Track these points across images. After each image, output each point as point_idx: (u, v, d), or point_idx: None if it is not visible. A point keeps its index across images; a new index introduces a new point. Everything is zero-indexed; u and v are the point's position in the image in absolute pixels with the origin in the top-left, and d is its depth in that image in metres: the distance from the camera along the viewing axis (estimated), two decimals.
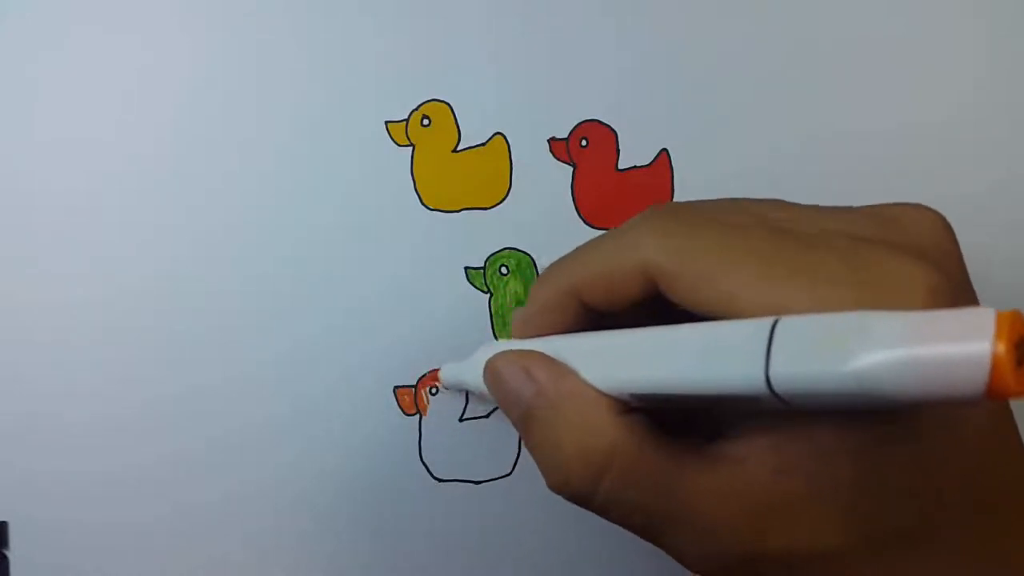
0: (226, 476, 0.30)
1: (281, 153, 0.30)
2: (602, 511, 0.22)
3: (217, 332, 0.30)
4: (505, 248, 0.31)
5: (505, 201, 0.31)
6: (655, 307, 0.21)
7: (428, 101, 0.31)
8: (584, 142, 0.31)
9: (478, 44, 0.31)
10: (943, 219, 0.21)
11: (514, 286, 0.31)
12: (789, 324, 0.17)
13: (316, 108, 0.30)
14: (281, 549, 0.30)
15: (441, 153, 0.31)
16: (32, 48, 0.30)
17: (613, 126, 0.31)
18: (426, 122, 0.31)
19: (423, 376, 0.31)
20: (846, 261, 0.19)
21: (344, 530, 0.30)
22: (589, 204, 0.31)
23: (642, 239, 0.21)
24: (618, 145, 0.31)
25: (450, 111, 0.31)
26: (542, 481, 0.30)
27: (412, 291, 0.31)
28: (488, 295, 0.31)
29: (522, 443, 0.31)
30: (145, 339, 0.30)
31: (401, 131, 0.31)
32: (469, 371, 0.27)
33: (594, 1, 0.31)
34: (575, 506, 0.30)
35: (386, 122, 0.31)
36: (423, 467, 0.31)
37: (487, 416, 0.31)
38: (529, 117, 0.31)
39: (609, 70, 0.31)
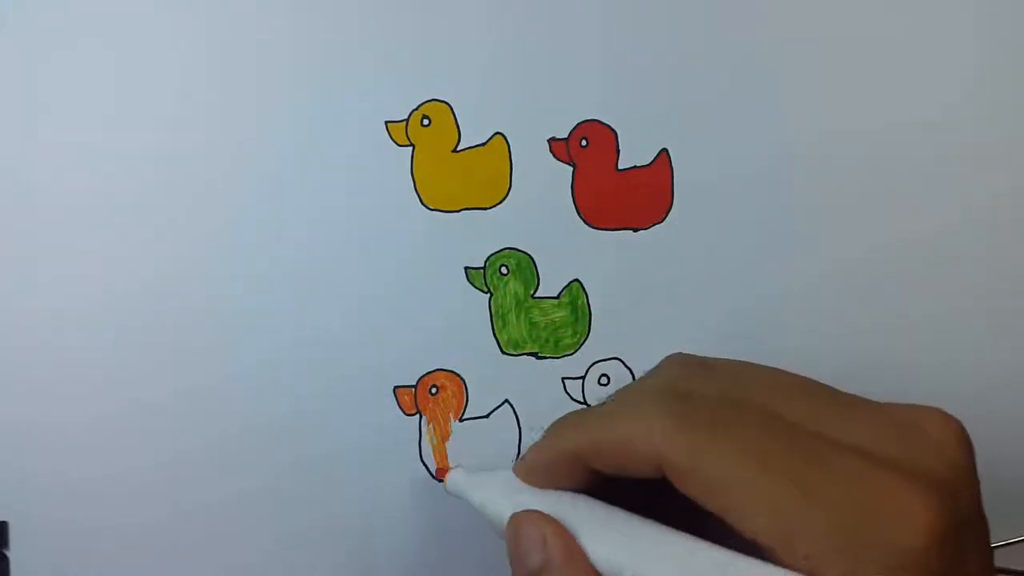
0: (226, 476, 0.30)
1: (281, 153, 0.30)
2: None
3: (217, 332, 0.30)
4: (505, 248, 0.31)
5: (505, 201, 0.31)
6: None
7: (428, 101, 0.31)
8: (584, 142, 0.31)
9: (478, 44, 0.31)
10: (962, 431, 0.22)
11: (514, 286, 0.31)
12: None
13: (316, 108, 0.30)
14: (281, 549, 0.30)
15: (441, 153, 0.31)
16: (31, 49, 0.30)
17: (613, 126, 0.31)
18: (426, 122, 0.31)
19: (423, 376, 0.31)
20: (857, 487, 0.20)
21: (344, 530, 0.30)
22: (589, 204, 0.31)
23: (656, 432, 0.22)
24: (618, 145, 0.31)
25: (450, 111, 0.31)
26: None
27: (412, 291, 0.31)
28: (488, 295, 0.31)
29: (521, 447, 0.31)
30: (145, 340, 0.30)
31: (401, 131, 0.31)
32: (480, 492, 0.27)
33: (594, 1, 0.31)
34: None
35: (386, 122, 0.31)
36: (423, 467, 0.31)
37: (487, 416, 0.31)
38: (529, 117, 0.31)
39: (609, 70, 0.31)
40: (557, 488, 0.25)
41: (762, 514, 0.20)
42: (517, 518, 0.25)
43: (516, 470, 0.26)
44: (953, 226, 0.31)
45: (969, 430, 0.22)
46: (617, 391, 0.25)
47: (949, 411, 0.22)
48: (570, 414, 0.26)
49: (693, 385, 0.23)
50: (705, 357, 0.25)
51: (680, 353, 0.25)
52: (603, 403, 0.25)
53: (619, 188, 0.31)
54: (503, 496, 0.26)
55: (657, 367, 0.25)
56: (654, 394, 0.23)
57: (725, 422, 0.22)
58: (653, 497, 0.23)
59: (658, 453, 0.22)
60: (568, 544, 0.23)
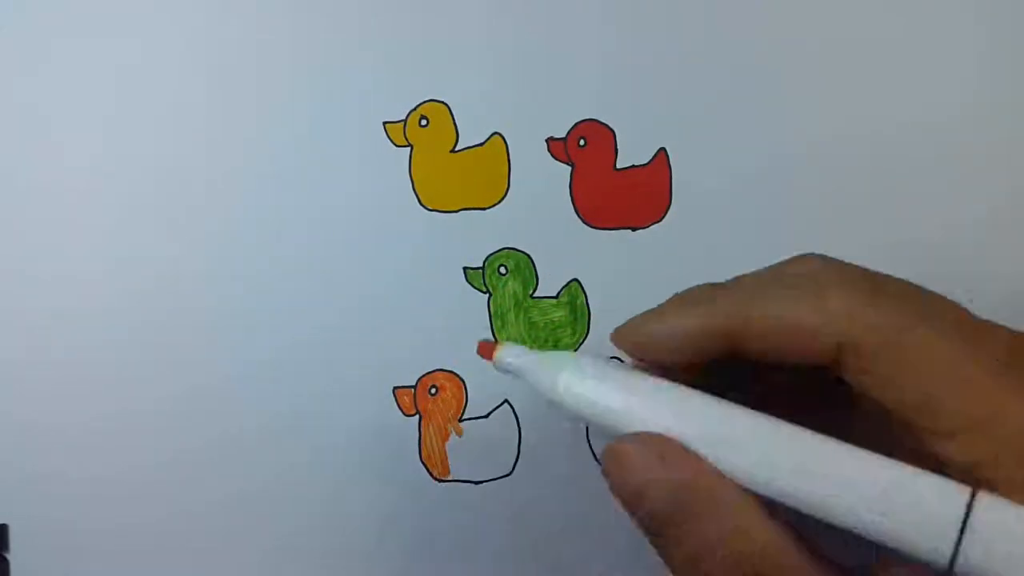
0: (226, 477, 0.30)
1: (280, 154, 0.30)
2: None
3: (216, 333, 0.30)
4: (504, 248, 0.31)
5: (503, 201, 0.31)
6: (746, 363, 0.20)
7: (426, 101, 0.31)
8: (582, 142, 0.31)
9: (476, 45, 0.31)
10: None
11: (513, 286, 0.31)
12: (990, 508, 0.16)
13: (315, 109, 0.30)
14: (281, 549, 0.30)
15: (439, 153, 0.31)
16: (30, 49, 0.30)
17: (611, 125, 0.31)
18: (424, 122, 0.31)
19: (422, 376, 0.31)
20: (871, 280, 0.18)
21: (344, 530, 0.30)
22: (587, 203, 0.31)
23: (840, 303, 0.19)
24: (616, 144, 0.31)
25: (448, 111, 0.31)
26: (542, 481, 0.30)
27: (411, 291, 0.31)
28: (487, 295, 0.31)
29: (521, 447, 0.31)
30: (145, 340, 0.30)
31: (399, 132, 0.31)
32: (553, 374, 0.22)
33: (593, 1, 0.31)
34: (574, 507, 0.30)
35: (384, 123, 0.31)
36: (423, 467, 0.31)
37: (487, 416, 0.31)
38: (527, 117, 0.31)
39: (607, 70, 0.31)
40: (667, 366, 0.21)
41: (970, 403, 0.17)
42: (619, 449, 0.20)
43: (618, 338, 0.21)
44: (953, 226, 0.31)
45: None
46: (746, 275, 0.22)
47: None
48: (702, 287, 0.21)
49: (874, 275, 0.20)
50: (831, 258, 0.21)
51: (809, 253, 0.21)
52: (738, 279, 0.21)
53: (617, 187, 0.31)
54: (587, 386, 0.21)
55: (791, 260, 0.21)
56: (838, 278, 0.19)
57: (927, 315, 0.18)
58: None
59: (850, 339, 0.18)
60: (692, 459, 0.19)
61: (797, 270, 0.21)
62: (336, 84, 0.30)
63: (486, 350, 0.24)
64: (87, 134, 0.30)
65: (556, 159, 0.31)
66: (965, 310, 0.19)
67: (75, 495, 0.30)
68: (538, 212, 0.31)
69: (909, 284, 0.20)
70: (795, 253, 0.31)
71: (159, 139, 0.30)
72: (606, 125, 0.31)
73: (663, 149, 0.31)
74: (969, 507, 0.17)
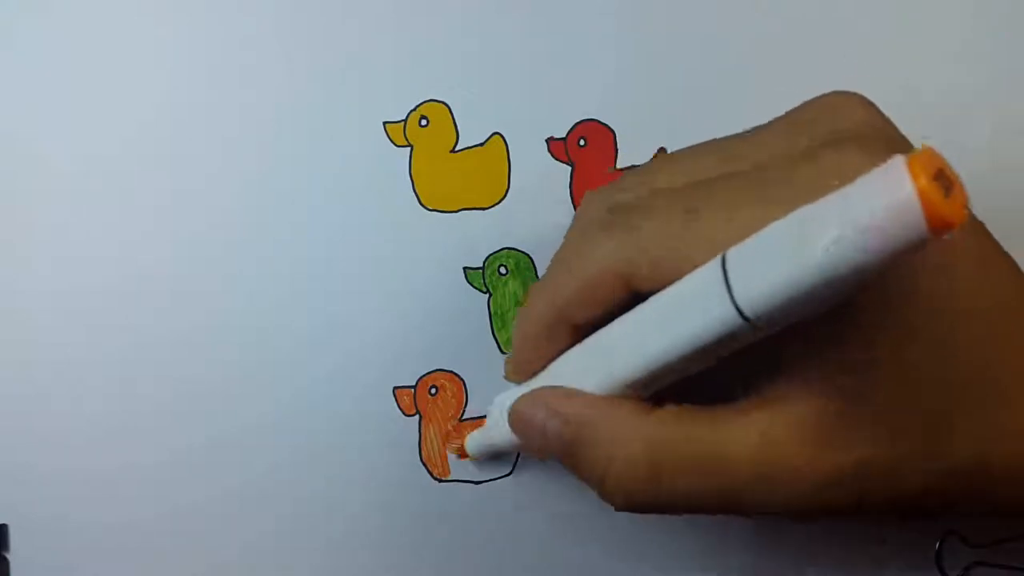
0: (226, 476, 0.30)
1: (279, 154, 0.30)
2: (674, 509, 0.22)
3: (216, 332, 0.30)
4: (504, 248, 0.31)
5: (504, 201, 0.31)
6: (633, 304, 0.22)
7: (426, 101, 0.31)
8: (582, 142, 0.31)
9: (476, 44, 0.31)
10: (860, 98, 0.22)
11: (513, 286, 0.31)
12: (736, 252, 0.18)
13: (314, 109, 0.30)
14: (281, 550, 0.30)
15: (439, 153, 0.31)
16: (22, 48, 0.30)
17: (611, 125, 0.31)
18: (424, 122, 0.31)
19: (423, 376, 0.31)
20: (784, 183, 0.20)
21: (344, 531, 0.30)
22: None
23: (604, 253, 0.22)
24: (616, 144, 0.31)
25: (448, 111, 0.31)
26: (542, 481, 0.30)
27: (411, 292, 0.31)
28: (487, 295, 0.31)
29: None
30: (144, 340, 0.30)
31: (399, 131, 0.31)
32: (493, 430, 0.27)
33: (593, 1, 0.31)
34: (574, 506, 0.30)
35: (384, 123, 0.31)
36: (423, 467, 0.31)
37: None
38: (527, 117, 0.31)
39: (607, 70, 0.31)
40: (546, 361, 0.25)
41: (710, 249, 0.19)
42: (513, 409, 0.25)
43: (510, 373, 0.26)
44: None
45: None
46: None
47: None
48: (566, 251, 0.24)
49: (612, 194, 0.24)
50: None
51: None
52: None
53: None
54: (501, 417, 0.26)
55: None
56: (587, 220, 0.23)
57: (653, 202, 0.22)
58: None
59: (613, 265, 0.22)
60: (570, 395, 0.23)
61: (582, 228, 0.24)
62: (335, 84, 0.31)
63: (462, 452, 0.30)
64: (86, 134, 0.30)
65: (556, 159, 0.31)
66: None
67: (75, 495, 0.30)
68: (538, 212, 0.31)
69: (655, 166, 0.24)
70: None
71: (156, 139, 0.30)
72: (606, 125, 0.31)
73: (663, 149, 0.31)
74: (723, 262, 0.18)
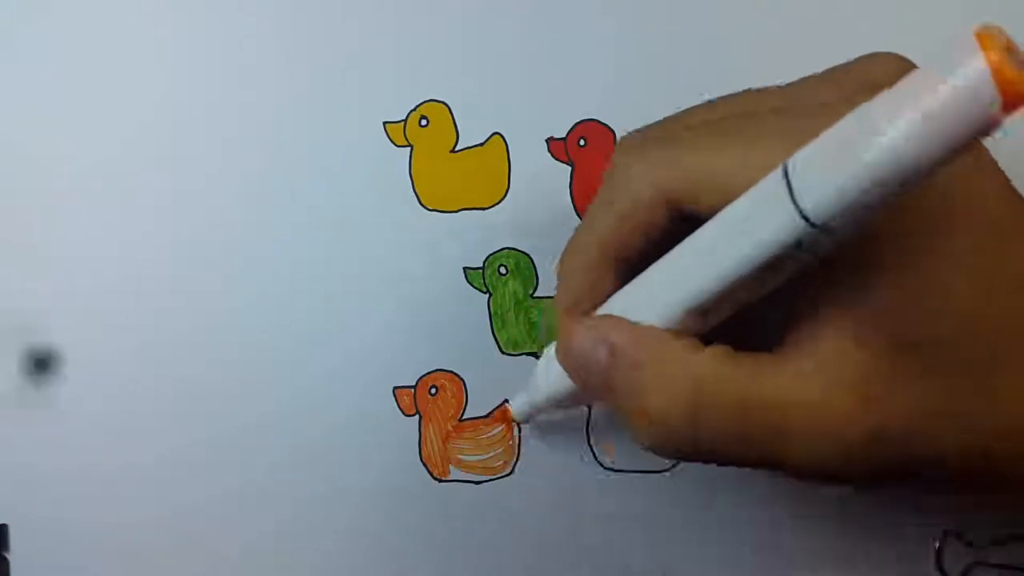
0: (226, 476, 0.30)
1: (279, 154, 0.30)
2: (710, 453, 0.21)
3: (216, 332, 0.30)
4: (504, 248, 0.31)
5: (504, 201, 0.31)
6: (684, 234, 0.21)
7: (426, 101, 0.31)
8: (582, 142, 0.31)
9: (476, 44, 0.31)
10: (899, 58, 0.22)
11: (513, 286, 0.31)
12: (798, 158, 0.17)
13: (314, 109, 0.30)
14: (281, 550, 0.30)
15: (439, 153, 0.31)
16: (22, 46, 0.30)
17: (611, 125, 0.31)
18: (424, 122, 0.31)
19: (422, 376, 0.31)
20: (831, 109, 0.19)
21: (344, 531, 0.30)
22: (588, 203, 0.31)
23: (650, 172, 0.21)
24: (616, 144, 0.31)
25: (448, 111, 0.31)
26: (542, 481, 0.30)
27: (411, 292, 0.31)
28: (487, 295, 0.31)
29: (521, 447, 0.31)
30: (144, 339, 0.30)
31: (399, 131, 0.31)
32: (540, 380, 0.27)
33: (594, 1, 0.31)
34: (574, 506, 0.30)
35: (384, 123, 0.31)
36: (423, 467, 0.31)
37: (487, 417, 0.31)
38: (527, 117, 0.31)
39: (607, 70, 0.31)
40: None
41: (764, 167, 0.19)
42: (563, 340, 0.24)
43: (559, 320, 0.25)
44: None
45: None
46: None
47: None
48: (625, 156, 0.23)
49: (651, 131, 0.23)
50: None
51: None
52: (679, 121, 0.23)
53: None
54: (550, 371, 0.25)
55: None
56: (625, 154, 0.23)
57: (692, 129, 0.22)
58: None
59: (660, 187, 0.21)
60: (622, 325, 0.22)
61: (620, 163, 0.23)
62: (335, 84, 0.30)
63: (502, 416, 0.30)
64: (86, 134, 0.30)
65: (556, 159, 0.31)
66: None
67: (75, 495, 0.30)
68: (538, 212, 0.31)
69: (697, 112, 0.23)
70: None
71: (156, 139, 0.30)
72: (606, 125, 0.31)
73: None
74: (784, 171, 0.18)
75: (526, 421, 0.30)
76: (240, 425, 0.30)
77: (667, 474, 0.30)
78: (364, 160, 0.30)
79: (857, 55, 0.31)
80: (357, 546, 0.30)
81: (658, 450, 0.22)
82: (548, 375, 0.26)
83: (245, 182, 0.30)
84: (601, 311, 0.24)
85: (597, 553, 0.31)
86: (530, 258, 0.31)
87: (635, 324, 0.22)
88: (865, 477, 0.21)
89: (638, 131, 0.24)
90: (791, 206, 0.17)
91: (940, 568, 0.30)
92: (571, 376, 0.24)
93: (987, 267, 0.20)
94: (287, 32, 0.31)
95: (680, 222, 0.21)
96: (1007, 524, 0.30)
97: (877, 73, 0.21)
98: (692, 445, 0.21)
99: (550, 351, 0.26)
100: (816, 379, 0.20)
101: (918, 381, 0.19)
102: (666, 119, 0.24)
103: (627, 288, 0.23)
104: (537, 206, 0.31)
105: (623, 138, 0.24)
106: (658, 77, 0.31)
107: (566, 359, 0.24)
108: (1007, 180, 0.21)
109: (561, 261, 0.25)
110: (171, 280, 0.30)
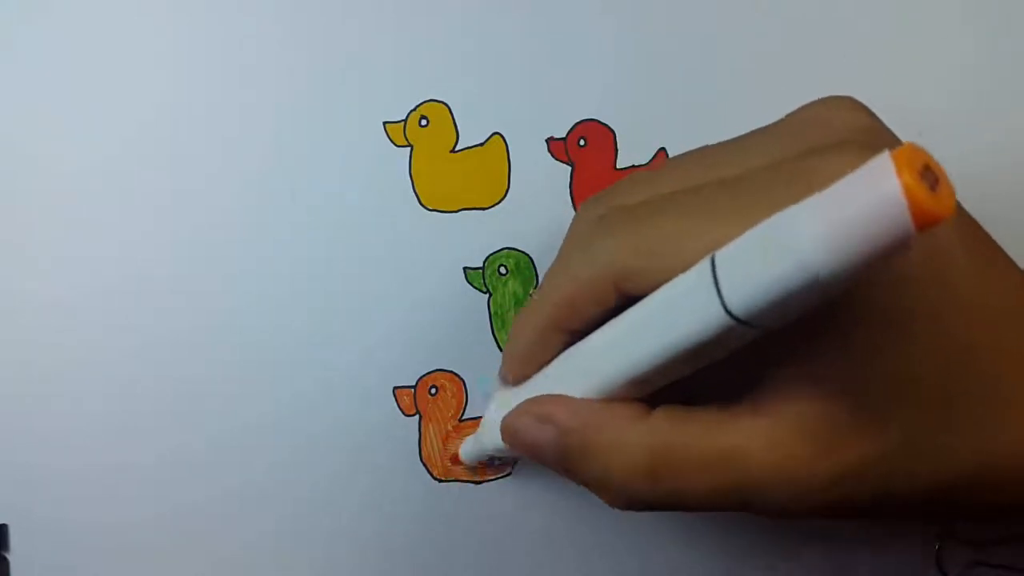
0: (226, 476, 0.30)
1: (279, 154, 0.30)
2: (676, 507, 0.22)
3: (216, 332, 0.30)
4: (504, 248, 0.31)
5: (504, 201, 0.31)
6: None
7: (426, 101, 0.31)
8: (582, 141, 0.31)
9: (476, 44, 0.31)
10: (852, 102, 0.22)
11: (513, 286, 0.31)
12: (724, 253, 0.18)
13: (314, 109, 0.30)
14: (280, 550, 0.30)
15: (439, 153, 0.31)
16: (23, 46, 0.30)
17: (611, 125, 0.31)
18: (424, 122, 0.31)
19: (422, 376, 0.31)
20: (769, 189, 0.20)
21: (344, 531, 0.30)
22: None
23: (599, 257, 0.22)
24: (616, 144, 0.31)
25: (448, 111, 0.31)
26: (542, 481, 0.30)
27: (411, 292, 0.31)
28: (487, 295, 0.31)
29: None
30: (144, 340, 0.30)
31: (399, 131, 0.31)
32: (486, 436, 0.27)
33: (593, 1, 0.31)
34: (574, 506, 0.30)
35: (384, 123, 0.31)
36: (423, 467, 0.31)
37: None
38: (527, 117, 0.31)
39: (607, 69, 0.31)
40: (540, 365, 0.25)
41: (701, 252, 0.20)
42: (505, 423, 0.24)
43: (500, 373, 0.26)
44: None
45: None
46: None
47: None
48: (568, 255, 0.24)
49: (607, 201, 0.24)
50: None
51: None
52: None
53: None
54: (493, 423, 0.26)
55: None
56: (580, 229, 0.24)
57: (647, 208, 0.22)
58: None
59: (611, 271, 0.22)
60: (561, 402, 0.23)
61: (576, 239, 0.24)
62: (335, 84, 0.31)
63: (455, 460, 0.30)
64: (86, 134, 0.30)
65: (556, 159, 0.31)
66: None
67: (75, 495, 0.30)
68: (538, 212, 0.31)
69: (642, 179, 0.24)
70: None
71: (156, 139, 0.30)
72: (606, 125, 0.31)
73: (663, 149, 0.31)
74: (712, 263, 0.18)
75: (473, 464, 0.30)
76: (240, 425, 0.30)
77: None
78: (364, 160, 0.30)
79: (857, 55, 0.31)
80: (357, 546, 0.30)
81: (628, 509, 0.23)
82: (495, 434, 0.26)
83: (245, 182, 0.30)
84: (538, 379, 0.25)
85: (596, 553, 0.31)
86: (530, 258, 0.31)
87: (576, 400, 0.23)
88: (829, 516, 0.21)
89: (595, 198, 0.25)
90: (716, 300, 0.18)
91: (940, 567, 0.30)
92: (524, 453, 0.24)
93: (941, 329, 0.20)
94: (287, 32, 0.31)
95: (628, 300, 0.22)
96: (1007, 524, 0.30)
97: (834, 129, 0.21)
98: (659, 502, 0.22)
99: (494, 413, 0.26)
100: (774, 431, 0.20)
101: (873, 427, 0.20)
102: (622, 184, 0.24)
103: (562, 359, 0.24)
104: (537, 206, 0.31)
105: (583, 204, 0.25)
106: (658, 77, 0.31)
107: (513, 442, 0.24)
108: (972, 242, 0.21)
109: (515, 321, 0.26)
110: (171, 280, 0.30)
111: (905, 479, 0.20)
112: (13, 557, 0.30)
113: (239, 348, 0.30)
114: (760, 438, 0.20)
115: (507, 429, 0.24)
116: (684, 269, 0.19)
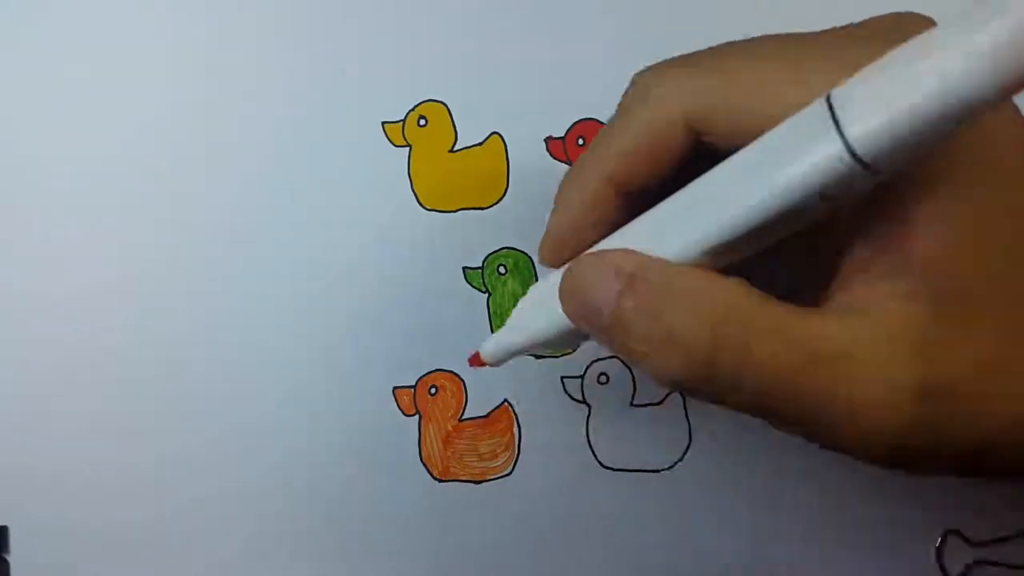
0: (226, 476, 0.30)
1: (278, 155, 0.30)
2: (726, 395, 0.19)
3: (216, 333, 0.30)
4: (503, 248, 0.31)
5: (502, 201, 0.31)
6: (694, 173, 0.19)
7: (425, 101, 0.31)
8: (581, 141, 0.31)
9: (474, 44, 0.31)
10: (927, 18, 0.20)
11: (512, 286, 0.31)
12: (845, 89, 0.16)
13: (313, 109, 0.30)
14: (281, 550, 0.30)
15: (438, 153, 0.31)
16: (22, 46, 0.30)
17: None
18: (423, 122, 0.31)
19: (422, 376, 0.31)
20: (868, 41, 0.18)
21: (344, 530, 0.30)
22: None
23: (670, 91, 0.19)
24: None
25: (447, 111, 0.31)
26: (542, 481, 0.30)
27: (410, 292, 0.31)
28: (486, 295, 0.31)
29: (520, 446, 0.31)
30: (144, 340, 0.30)
31: (398, 131, 0.31)
32: (522, 321, 0.24)
33: (593, 1, 0.31)
34: (574, 506, 0.30)
35: (383, 123, 0.31)
36: (423, 467, 0.31)
37: (487, 416, 0.31)
38: (526, 116, 0.31)
39: (606, 69, 0.31)
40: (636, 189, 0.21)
41: (797, 93, 0.18)
42: (574, 268, 0.21)
43: (545, 253, 0.22)
44: None
45: None
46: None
47: None
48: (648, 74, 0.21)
49: (682, 57, 0.21)
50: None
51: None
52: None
53: None
54: (544, 305, 0.22)
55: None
56: (645, 77, 0.20)
57: (725, 53, 0.20)
58: None
59: (683, 108, 0.19)
60: (637, 255, 0.19)
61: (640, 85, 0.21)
62: (334, 84, 0.31)
63: (476, 360, 0.26)
64: (86, 134, 0.30)
65: (555, 158, 0.31)
66: None
67: (75, 495, 0.30)
68: (537, 212, 0.30)
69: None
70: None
71: (156, 139, 0.30)
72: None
73: None
74: (828, 100, 0.17)
75: (498, 364, 0.26)
76: (240, 425, 0.30)
77: (667, 473, 0.30)
78: (363, 160, 0.30)
79: None
80: (357, 545, 0.30)
81: (678, 383, 0.19)
82: (535, 316, 0.23)
83: (244, 182, 0.30)
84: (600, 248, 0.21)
85: (597, 552, 0.31)
86: (529, 257, 0.31)
87: (648, 256, 0.19)
88: (900, 454, 0.19)
89: (660, 62, 0.22)
90: (838, 140, 0.16)
91: (941, 565, 0.30)
92: (574, 313, 0.21)
93: (1012, 223, 0.18)
94: (287, 32, 0.31)
95: (696, 159, 0.19)
96: (1008, 522, 0.30)
97: (909, 27, 0.19)
98: (711, 379, 0.19)
99: (535, 291, 0.24)
100: (864, 328, 0.18)
101: (969, 333, 0.18)
102: (693, 53, 0.21)
103: (633, 224, 0.21)
104: (536, 205, 0.31)
105: (644, 69, 0.22)
106: None
107: (572, 295, 0.21)
108: None
109: (559, 191, 0.22)
110: (170, 280, 0.30)
111: (993, 401, 0.18)
112: (13, 558, 0.30)
113: (239, 348, 0.30)
114: (848, 331, 0.18)
115: (569, 279, 0.21)
116: (778, 110, 0.18)
